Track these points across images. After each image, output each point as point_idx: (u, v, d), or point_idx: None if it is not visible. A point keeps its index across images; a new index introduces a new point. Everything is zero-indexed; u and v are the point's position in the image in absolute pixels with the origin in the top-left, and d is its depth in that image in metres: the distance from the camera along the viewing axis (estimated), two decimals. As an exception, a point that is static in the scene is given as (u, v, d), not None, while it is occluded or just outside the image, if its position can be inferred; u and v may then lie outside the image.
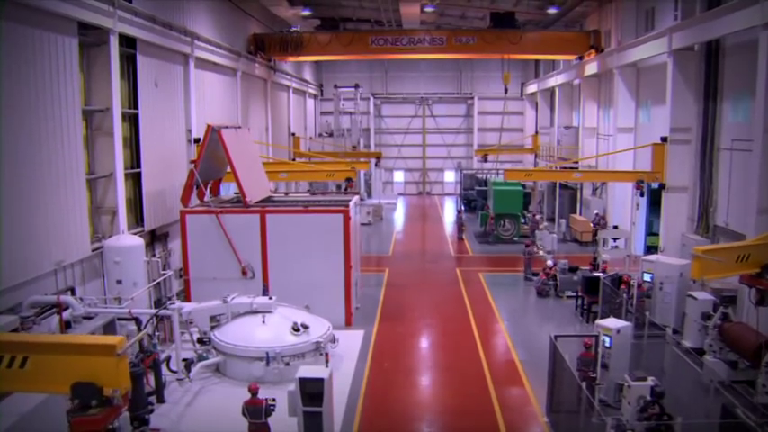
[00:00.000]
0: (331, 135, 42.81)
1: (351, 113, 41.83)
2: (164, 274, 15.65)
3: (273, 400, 10.43)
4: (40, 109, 13.03)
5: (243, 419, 10.94)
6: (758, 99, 15.29)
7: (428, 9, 28.99)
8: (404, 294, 21.09)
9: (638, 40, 23.37)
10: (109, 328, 10.80)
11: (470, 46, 28.61)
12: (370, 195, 40.70)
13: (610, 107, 28.39)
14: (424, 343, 16.59)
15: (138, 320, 11.99)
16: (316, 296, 15.67)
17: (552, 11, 29.21)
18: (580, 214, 30.61)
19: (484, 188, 36.32)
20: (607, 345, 11.87)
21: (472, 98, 48.49)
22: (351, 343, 15.69)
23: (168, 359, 13.55)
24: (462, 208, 39.12)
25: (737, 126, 17.88)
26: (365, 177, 39.77)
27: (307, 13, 29.75)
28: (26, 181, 12.59)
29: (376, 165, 41.22)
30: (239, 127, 19.16)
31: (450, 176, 49.68)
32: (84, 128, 15.21)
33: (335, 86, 41.18)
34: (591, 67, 29.28)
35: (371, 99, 48.08)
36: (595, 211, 28.02)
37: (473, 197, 38.47)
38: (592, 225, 27.56)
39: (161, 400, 12.30)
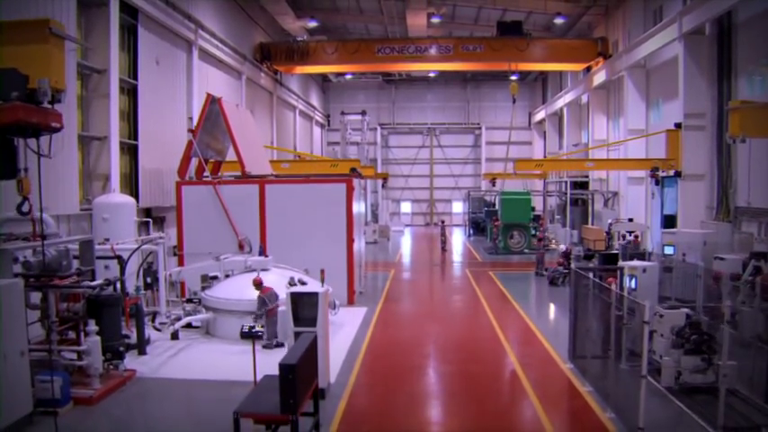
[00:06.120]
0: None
1: (357, 143, 41.64)
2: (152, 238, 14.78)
3: (262, 326, 9.44)
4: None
5: (226, 368, 10.31)
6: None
7: (435, 20, 29.08)
8: (410, 285, 20.13)
9: (646, 35, 23.10)
10: (86, 248, 9.88)
11: (477, 54, 28.45)
12: (376, 223, 39.88)
13: (619, 117, 27.91)
14: (432, 316, 15.36)
15: (120, 258, 11.08)
16: (317, 271, 14.68)
17: (559, 20, 29.21)
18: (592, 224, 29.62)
19: (493, 209, 35.63)
20: (633, 287, 10.82)
21: (480, 128, 48.33)
22: (353, 318, 14.59)
23: (154, 315, 12.58)
24: (471, 231, 38.51)
25: (754, 100, 17.21)
26: (372, 207, 39.09)
27: (313, 24, 29.90)
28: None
29: (383, 186, 40.57)
30: (238, 105, 18.74)
31: (458, 207, 48.92)
32: (78, 87, 14.76)
33: (342, 113, 41.20)
34: (599, 77, 29.03)
35: (378, 129, 48.02)
36: (612, 219, 26.95)
37: (481, 219, 37.72)
38: (605, 233, 26.48)
39: (142, 352, 11.25)
